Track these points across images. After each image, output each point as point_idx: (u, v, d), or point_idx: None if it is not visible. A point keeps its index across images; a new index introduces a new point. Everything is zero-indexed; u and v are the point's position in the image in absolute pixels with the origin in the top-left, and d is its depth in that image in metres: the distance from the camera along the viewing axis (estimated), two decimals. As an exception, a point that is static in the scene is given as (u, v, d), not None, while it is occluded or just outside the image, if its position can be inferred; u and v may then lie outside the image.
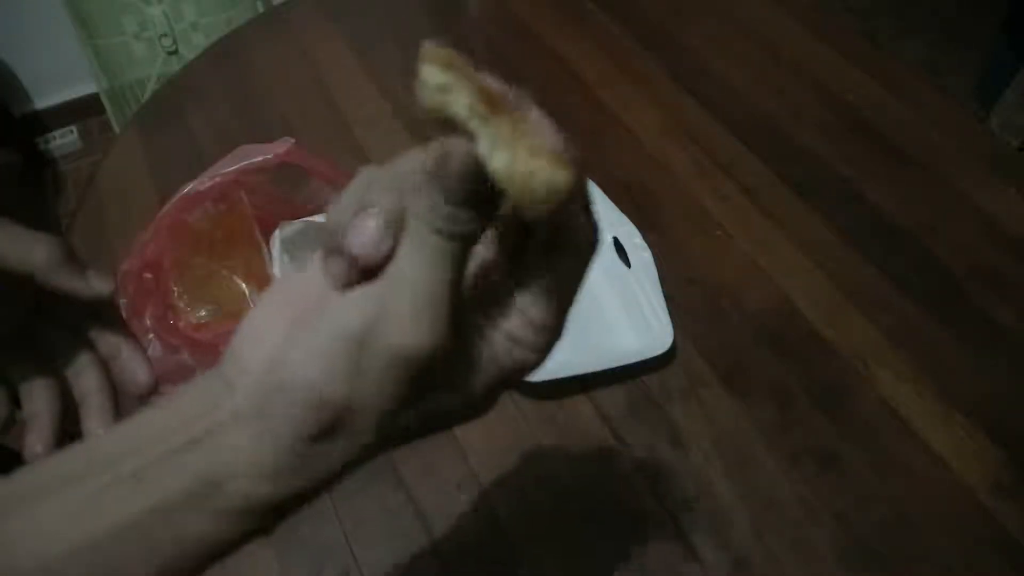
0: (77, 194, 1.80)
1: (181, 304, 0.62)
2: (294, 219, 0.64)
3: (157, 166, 0.80)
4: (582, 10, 0.97)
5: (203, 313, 0.62)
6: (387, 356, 0.24)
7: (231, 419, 0.25)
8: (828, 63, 0.90)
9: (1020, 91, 1.67)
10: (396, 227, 0.24)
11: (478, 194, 0.23)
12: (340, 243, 0.24)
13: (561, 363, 0.60)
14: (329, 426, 0.24)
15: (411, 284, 0.23)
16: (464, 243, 0.24)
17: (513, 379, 0.28)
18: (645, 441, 0.59)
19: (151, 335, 0.60)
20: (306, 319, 0.25)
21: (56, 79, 1.84)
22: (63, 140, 1.91)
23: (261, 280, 0.63)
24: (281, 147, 0.62)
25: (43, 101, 1.88)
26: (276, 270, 0.62)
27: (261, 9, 1.69)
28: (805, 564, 0.53)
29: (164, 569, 0.25)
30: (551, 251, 0.26)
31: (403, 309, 0.23)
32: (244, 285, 0.63)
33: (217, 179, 0.60)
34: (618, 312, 0.65)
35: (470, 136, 0.22)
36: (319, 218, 0.66)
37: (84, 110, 1.89)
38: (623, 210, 0.69)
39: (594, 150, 0.80)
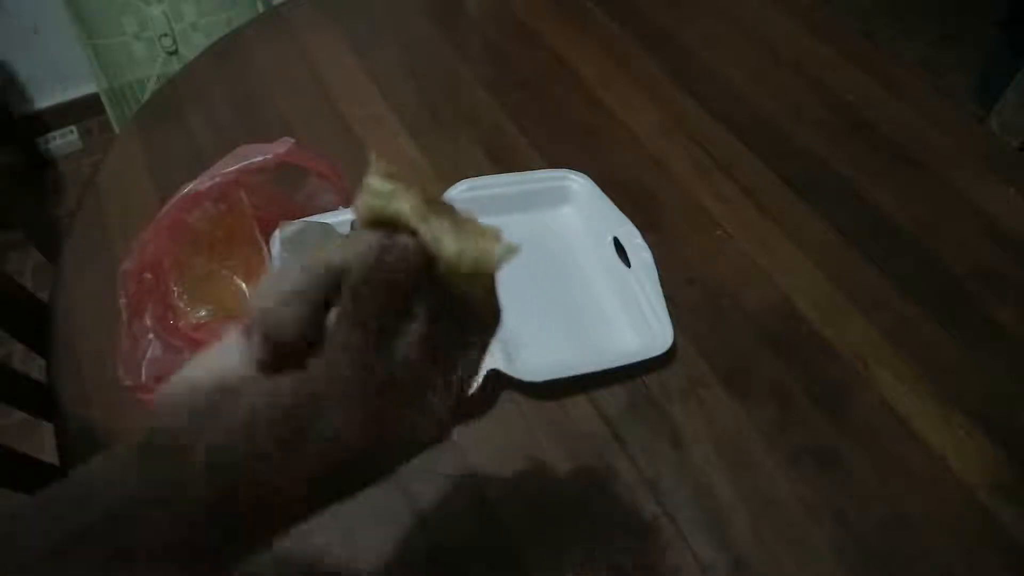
0: (77, 194, 1.80)
1: (181, 304, 0.62)
2: (294, 219, 0.64)
3: (157, 166, 0.80)
4: (582, 10, 0.97)
5: (203, 313, 0.62)
6: (314, 448, 0.26)
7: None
8: (828, 63, 0.90)
9: (1020, 91, 1.67)
10: (311, 311, 0.26)
11: (410, 284, 0.27)
12: (256, 321, 0.27)
13: (561, 363, 0.60)
14: (252, 500, 0.27)
15: (339, 381, 0.26)
16: (390, 336, 0.27)
17: (420, 446, 0.30)
18: (645, 441, 0.59)
19: (151, 335, 0.60)
20: (222, 392, 0.27)
21: (56, 79, 1.84)
22: (63, 140, 1.91)
23: (261, 280, 0.63)
24: (281, 147, 0.62)
25: (43, 101, 1.88)
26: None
27: (261, 9, 1.68)
28: (804, 564, 0.53)
29: None
30: (462, 326, 0.29)
31: (332, 404, 0.26)
32: (244, 285, 0.64)
33: (217, 179, 0.60)
34: (618, 312, 0.65)
35: (411, 231, 0.26)
36: (319, 218, 0.66)
37: (84, 110, 1.89)
38: (623, 210, 0.69)
39: (594, 150, 0.80)
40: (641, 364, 0.61)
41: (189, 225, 0.63)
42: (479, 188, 0.71)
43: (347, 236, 0.28)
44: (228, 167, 0.61)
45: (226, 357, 0.28)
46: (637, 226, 0.68)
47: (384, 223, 0.27)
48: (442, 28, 0.95)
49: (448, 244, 0.26)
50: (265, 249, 0.64)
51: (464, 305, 0.29)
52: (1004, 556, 0.54)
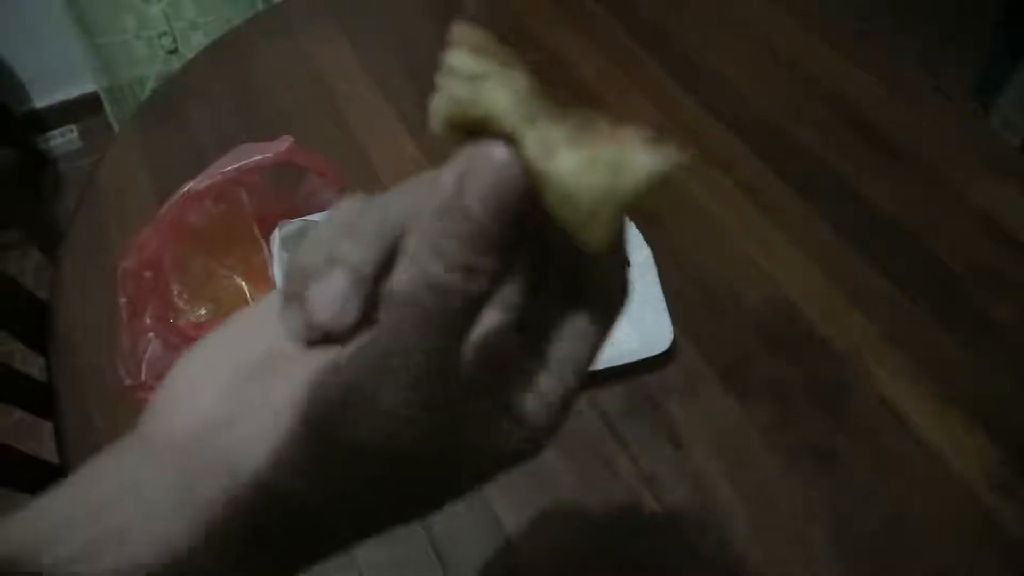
0: (77, 193, 1.80)
1: (181, 303, 0.62)
2: (294, 218, 0.64)
3: (157, 165, 0.80)
4: (581, 9, 0.97)
5: (203, 312, 0.62)
6: (355, 451, 0.19)
7: (150, 503, 0.20)
8: (827, 61, 0.90)
9: (1019, 89, 1.67)
10: (365, 290, 0.19)
11: (510, 231, 0.17)
12: (300, 292, 0.20)
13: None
14: (263, 514, 0.20)
15: (396, 356, 0.18)
16: (474, 306, 0.18)
17: (503, 470, 0.22)
18: (644, 439, 0.59)
19: (151, 334, 0.60)
20: (253, 373, 0.20)
21: (56, 78, 1.85)
22: (63, 139, 1.91)
23: (261, 279, 0.64)
24: (281, 146, 0.62)
25: (43, 100, 1.88)
26: (276, 268, 0.62)
27: (261, 7, 1.69)
28: (804, 562, 0.53)
29: None
30: (574, 301, 0.20)
31: (379, 395, 0.19)
32: (244, 284, 0.64)
33: (217, 178, 0.60)
34: (617, 311, 0.65)
35: (508, 136, 0.16)
36: (318, 217, 0.66)
37: (84, 109, 1.89)
38: (622, 209, 0.69)
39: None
40: (640, 363, 0.61)
41: (189, 224, 0.63)
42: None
43: (410, 189, 0.20)
44: (228, 166, 0.61)
45: (254, 325, 0.22)
46: (636, 224, 0.68)
47: (470, 127, 0.18)
48: (442, 27, 0.95)
49: (565, 160, 0.16)
50: (265, 248, 0.64)
51: (578, 269, 0.20)
52: (1003, 554, 0.54)
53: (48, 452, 0.66)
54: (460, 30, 0.18)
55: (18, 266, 1.64)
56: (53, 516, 0.22)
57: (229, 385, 0.20)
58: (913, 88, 0.87)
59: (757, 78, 0.88)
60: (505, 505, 0.56)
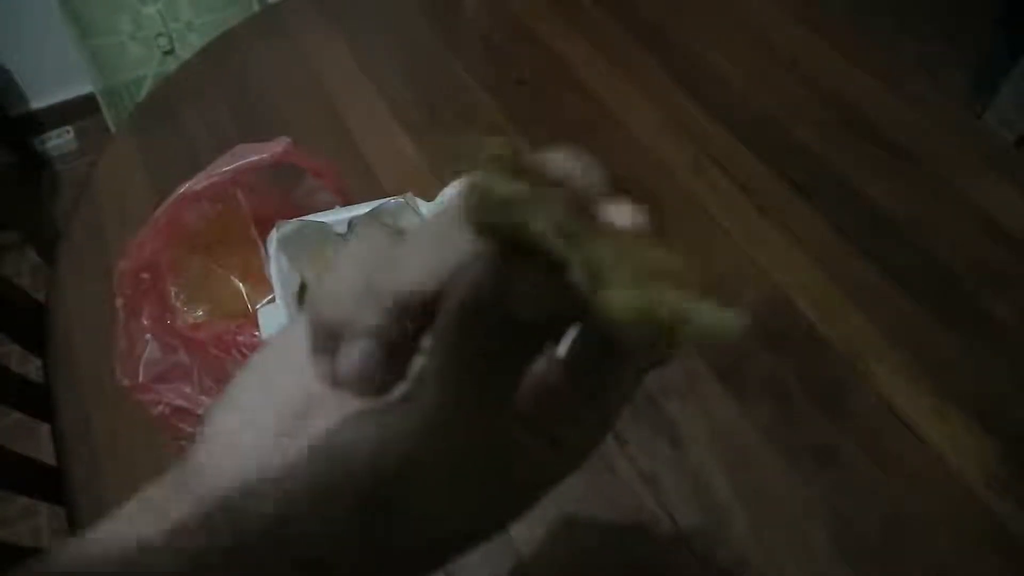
0: (74, 194, 1.80)
1: (178, 304, 0.62)
2: (291, 218, 0.64)
3: (153, 166, 0.80)
4: (580, 8, 0.97)
5: (200, 313, 0.62)
6: (410, 523, 0.20)
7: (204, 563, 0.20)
8: (825, 60, 0.90)
9: (1016, 87, 1.67)
10: (392, 354, 0.19)
11: (554, 320, 0.18)
12: (328, 343, 0.20)
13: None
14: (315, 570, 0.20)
15: (440, 436, 0.19)
16: (508, 378, 0.19)
17: (549, 485, 0.23)
18: (643, 439, 0.59)
19: (148, 335, 0.59)
20: (300, 430, 0.21)
21: (52, 79, 1.84)
22: (59, 140, 1.90)
23: (258, 279, 0.63)
24: (278, 146, 0.62)
25: (39, 102, 1.87)
26: (273, 269, 0.62)
27: (257, 8, 1.68)
28: (803, 561, 0.53)
29: None
30: (610, 356, 0.21)
31: (428, 469, 0.20)
32: (241, 284, 0.63)
33: (214, 178, 0.60)
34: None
35: (552, 257, 0.16)
36: (316, 217, 0.65)
37: (80, 110, 1.88)
38: (621, 208, 0.69)
39: (592, 148, 0.80)
40: (639, 362, 0.61)
41: (186, 225, 0.62)
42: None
43: (439, 240, 0.19)
44: (224, 166, 0.61)
45: (289, 367, 0.22)
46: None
47: (503, 238, 0.17)
48: (440, 27, 0.95)
49: (614, 298, 0.15)
50: (262, 248, 0.64)
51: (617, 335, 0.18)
52: (1002, 551, 0.54)
53: (47, 454, 0.65)
54: (490, 145, 0.16)
55: (15, 268, 1.64)
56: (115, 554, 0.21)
57: (270, 439, 0.21)
58: (911, 85, 0.87)
59: (756, 78, 0.88)
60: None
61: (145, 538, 0.20)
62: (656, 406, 0.61)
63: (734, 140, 0.81)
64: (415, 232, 0.19)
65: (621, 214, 0.18)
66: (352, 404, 0.20)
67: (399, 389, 0.20)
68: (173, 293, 0.62)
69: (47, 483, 0.66)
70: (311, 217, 0.65)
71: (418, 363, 0.20)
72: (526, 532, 0.54)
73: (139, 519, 0.22)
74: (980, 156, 0.80)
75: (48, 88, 1.86)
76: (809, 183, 0.76)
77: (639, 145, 0.81)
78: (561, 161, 0.17)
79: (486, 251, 0.17)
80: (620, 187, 0.19)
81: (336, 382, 0.20)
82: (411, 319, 0.19)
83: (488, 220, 0.16)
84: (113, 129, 1.75)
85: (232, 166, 0.60)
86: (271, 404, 0.21)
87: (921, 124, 0.83)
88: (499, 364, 0.18)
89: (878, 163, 0.79)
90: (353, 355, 0.19)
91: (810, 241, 0.72)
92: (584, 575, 0.53)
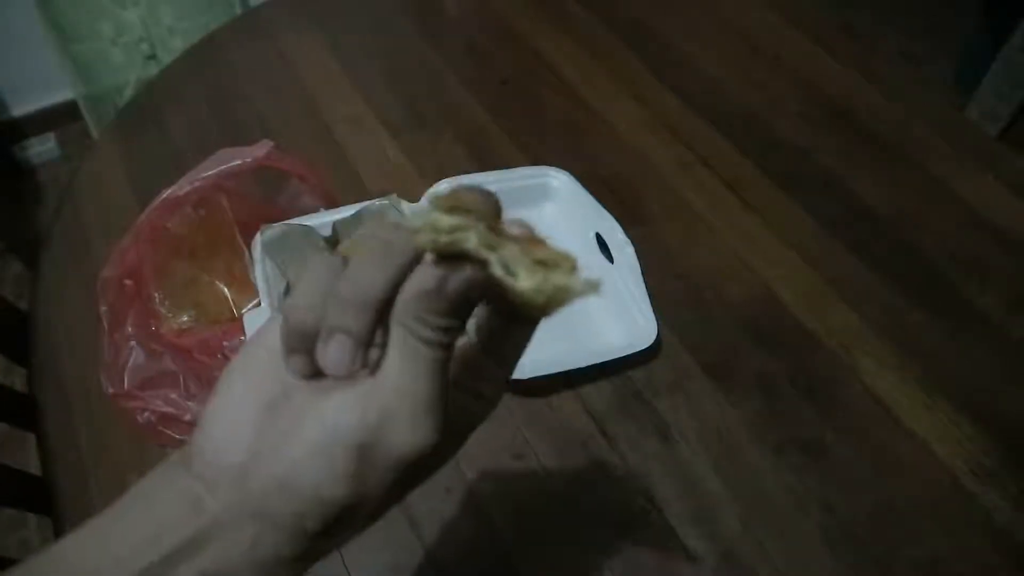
0: (56, 202, 1.79)
1: (163, 310, 0.61)
2: (275, 222, 0.64)
3: (136, 171, 0.79)
4: (562, 7, 0.97)
5: (185, 318, 0.61)
6: (392, 460, 0.26)
7: (220, 521, 0.25)
8: (807, 55, 0.91)
9: (997, 80, 1.68)
10: (366, 347, 0.26)
11: (469, 305, 0.26)
12: (299, 345, 0.26)
13: (547, 359, 0.60)
14: (333, 521, 0.26)
15: (411, 395, 0.25)
16: (451, 348, 0.26)
17: (476, 426, 0.31)
18: (632, 435, 0.59)
19: (133, 342, 0.59)
20: (284, 410, 0.26)
21: (33, 86, 1.82)
22: (41, 147, 1.89)
23: (243, 284, 0.63)
24: (261, 150, 0.61)
25: (20, 108, 1.86)
26: (258, 273, 0.61)
27: (239, 11, 1.67)
28: (793, 553, 0.54)
29: None
30: (513, 322, 0.29)
31: (404, 418, 0.25)
32: (226, 289, 0.63)
33: (197, 183, 0.60)
34: (602, 308, 0.65)
35: (478, 263, 0.24)
36: (300, 221, 0.65)
37: (62, 117, 1.87)
38: (605, 206, 0.69)
39: (576, 147, 0.80)
40: (626, 359, 0.61)
41: (169, 231, 0.62)
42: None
43: (385, 255, 0.26)
44: (207, 171, 0.60)
45: (268, 370, 0.27)
46: (619, 222, 0.68)
47: (447, 253, 0.25)
48: (422, 27, 0.95)
49: (523, 281, 0.24)
50: (246, 253, 0.63)
51: (521, 307, 0.27)
52: (989, 540, 0.54)
53: (32, 464, 0.65)
54: (435, 196, 0.25)
55: (-2, 276, 1.62)
56: (127, 536, 0.26)
57: (260, 422, 0.26)
58: (893, 79, 0.87)
59: (739, 73, 0.88)
60: (494, 501, 0.55)
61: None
62: (644, 402, 0.61)
63: (717, 135, 0.81)
64: (355, 253, 0.26)
65: (517, 226, 0.26)
66: (323, 387, 0.26)
67: (368, 368, 0.26)
68: (157, 299, 0.61)
69: (34, 494, 0.65)
70: (295, 221, 0.65)
71: (376, 352, 0.26)
72: (515, 525, 0.54)
73: (130, 512, 0.27)
74: (962, 148, 0.80)
75: (29, 95, 1.85)
76: (792, 177, 0.77)
77: (623, 143, 0.81)
78: (474, 194, 0.25)
79: (430, 259, 0.25)
80: (606, 186, 0.23)
81: (312, 373, 0.26)
82: (372, 316, 0.25)
83: (435, 241, 0.24)
84: (95, 135, 1.74)
85: (215, 171, 0.60)
86: (253, 391, 0.27)
87: (904, 117, 0.83)
88: (443, 336, 0.25)
89: (861, 156, 0.79)
90: (332, 348, 0.25)
91: (794, 235, 0.72)
92: (574, 570, 0.53)
